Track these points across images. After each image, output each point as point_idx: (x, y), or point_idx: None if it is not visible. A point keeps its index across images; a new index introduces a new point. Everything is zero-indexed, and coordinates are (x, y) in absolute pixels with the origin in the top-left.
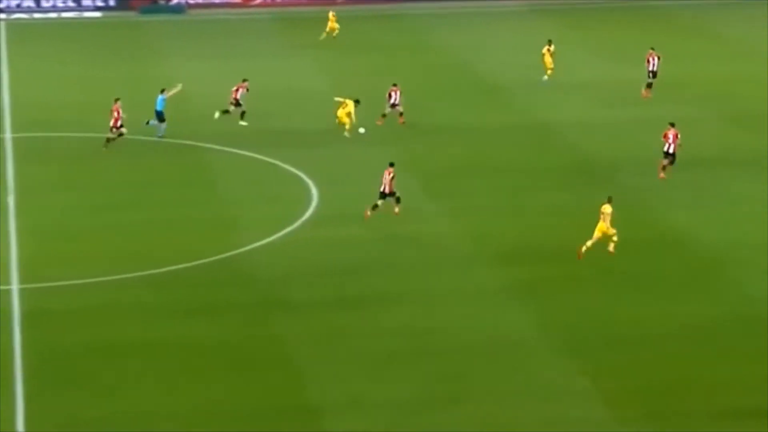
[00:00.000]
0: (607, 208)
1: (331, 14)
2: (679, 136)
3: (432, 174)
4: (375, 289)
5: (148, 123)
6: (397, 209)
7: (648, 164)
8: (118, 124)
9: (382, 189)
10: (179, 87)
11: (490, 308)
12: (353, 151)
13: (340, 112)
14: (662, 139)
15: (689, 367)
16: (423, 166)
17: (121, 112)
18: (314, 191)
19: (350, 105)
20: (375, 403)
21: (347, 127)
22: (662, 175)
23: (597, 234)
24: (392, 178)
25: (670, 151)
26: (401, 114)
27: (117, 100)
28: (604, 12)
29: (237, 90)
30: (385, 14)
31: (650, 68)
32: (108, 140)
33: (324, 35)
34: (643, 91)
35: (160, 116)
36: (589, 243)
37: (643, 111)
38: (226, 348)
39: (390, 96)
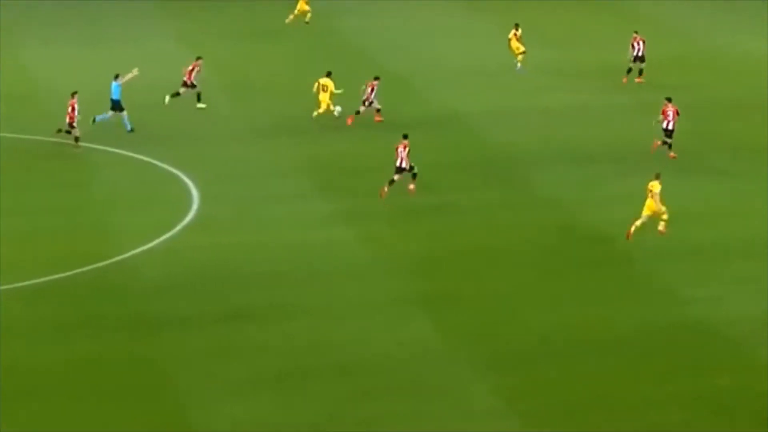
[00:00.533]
0: (655, 186)
1: None
2: (678, 112)
3: (329, 173)
4: (266, 301)
5: (94, 121)
6: (412, 185)
7: (565, 157)
8: (74, 122)
9: (398, 163)
10: (135, 72)
11: (396, 321)
12: (236, 148)
13: (322, 97)
14: (660, 115)
15: (613, 382)
16: (319, 164)
17: (76, 107)
18: (195, 192)
19: (330, 84)
20: (268, 429)
21: (323, 109)
22: (654, 151)
23: (646, 212)
24: (407, 151)
25: (669, 127)
26: (378, 110)
27: (74, 93)
28: None
29: (192, 70)
30: None
31: (635, 53)
32: (76, 140)
33: (291, 17)
34: (625, 78)
35: (118, 106)
36: (638, 222)
37: (557, 99)
38: (98, 369)
39: (370, 90)
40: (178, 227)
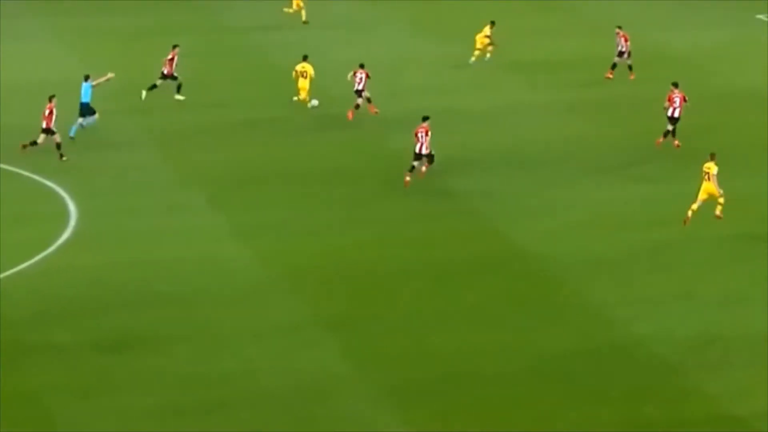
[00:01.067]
0: (711, 167)
1: None
2: (687, 98)
3: (220, 183)
4: (151, 327)
5: (78, 127)
6: (424, 168)
7: (488, 162)
8: (52, 126)
9: (417, 149)
10: (110, 75)
11: (295, 347)
12: (117, 156)
13: (302, 84)
14: (666, 102)
15: (531, 411)
16: (209, 173)
17: (55, 112)
18: (72, 207)
19: (309, 69)
20: None
21: (302, 96)
22: (661, 140)
23: (702, 196)
24: (429, 135)
25: (675, 115)
26: (369, 100)
27: (52, 97)
28: None
29: (171, 60)
30: None
31: (620, 48)
32: (34, 143)
33: (294, 11)
34: (609, 73)
35: (88, 109)
36: (694, 206)
37: (469, 99)
38: None
39: (357, 78)
40: (54, 246)
